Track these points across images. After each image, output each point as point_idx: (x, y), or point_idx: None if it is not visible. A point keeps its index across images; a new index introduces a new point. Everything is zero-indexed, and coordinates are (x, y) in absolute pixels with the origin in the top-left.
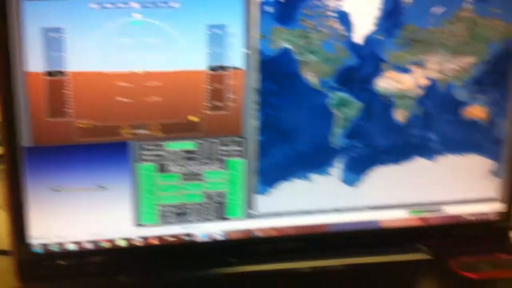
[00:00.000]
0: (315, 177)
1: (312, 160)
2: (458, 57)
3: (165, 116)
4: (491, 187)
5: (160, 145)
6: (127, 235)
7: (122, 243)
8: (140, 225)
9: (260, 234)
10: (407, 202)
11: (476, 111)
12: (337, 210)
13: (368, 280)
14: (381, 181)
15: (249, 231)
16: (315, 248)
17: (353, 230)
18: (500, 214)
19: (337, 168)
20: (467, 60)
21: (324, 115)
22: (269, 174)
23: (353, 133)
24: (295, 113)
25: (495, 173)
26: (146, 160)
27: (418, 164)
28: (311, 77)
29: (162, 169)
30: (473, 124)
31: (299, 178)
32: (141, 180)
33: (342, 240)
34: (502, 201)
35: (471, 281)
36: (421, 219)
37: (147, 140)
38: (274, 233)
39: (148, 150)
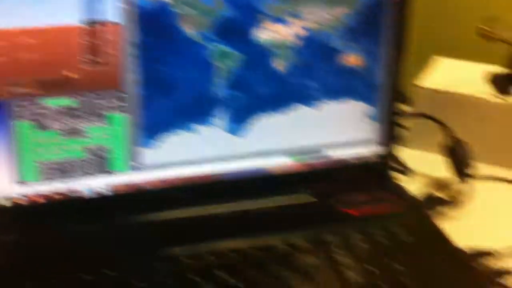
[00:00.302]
0: (199, 128)
1: (195, 111)
2: (332, 8)
3: (41, 73)
4: (370, 131)
5: (38, 103)
6: (9, 194)
7: (5, 202)
8: (21, 183)
9: (147, 186)
10: (291, 148)
11: (352, 59)
12: (223, 159)
13: (256, 225)
14: (264, 129)
15: (135, 184)
16: (203, 197)
17: (240, 177)
18: (380, 155)
19: (220, 118)
20: (341, 10)
21: (205, 67)
22: (153, 127)
23: (235, 83)
24: (176, 66)
25: (372, 117)
26: (24, 118)
27: (300, 111)
28: (190, 30)
29: (42, 126)
30: (349, 71)
31: (183, 129)
32: (20, 138)
33: (230, 188)
34: (380, 143)
35: (353, 218)
36: (306, 164)
37: (24, 98)
38: (161, 185)
39: (26, 107)
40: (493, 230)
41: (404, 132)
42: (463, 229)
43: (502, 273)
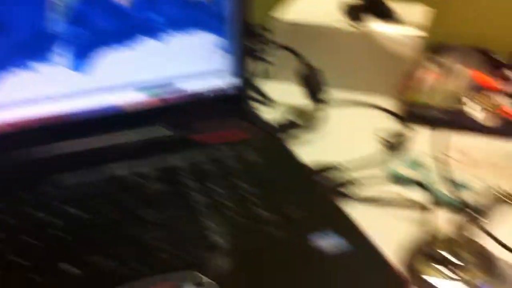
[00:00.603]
0: (39, 66)
1: (34, 49)
2: None
3: None
4: (223, 62)
5: None
6: None
7: None
8: None
9: None
10: (142, 83)
11: None
12: (71, 97)
13: (109, 160)
14: (112, 65)
15: None
16: (53, 137)
17: (92, 115)
18: (236, 86)
19: (62, 55)
20: None
21: (40, 3)
22: None
23: (74, 19)
24: (8, 2)
25: (225, 49)
26: None
27: (147, 45)
28: None
29: None
30: (195, 3)
31: (22, 68)
32: None
33: (82, 126)
34: (235, 74)
35: (206, 146)
36: (160, 98)
37: None
38: (7, 128)
39: None
40: (343, 148)
41: (265, 64)
42: (316, 149)
43: (344, 183)
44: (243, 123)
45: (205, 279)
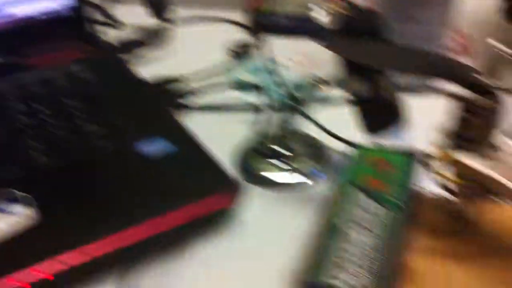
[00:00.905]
0: None
1: None
2: None
3: None
4: None
5: None
6: None
7: None
8: None
9: None
10: None
11: None
12: None
13: None
14: None
15: None
16: None
17: None
18: (70, 7)
19: None
20: None
21: None
22: None
23: None
24: None
25: None
26: None
27: None
28: None
29: None
30: None
31: None
32: None
33: None
34: None
35: (39, 69)
36: None
37: None
38: None
39: None
40: (190, 63)
41: None
42: (164, 66)
43: (184, 94)
44: (80, 44)
45: (20, 194)
